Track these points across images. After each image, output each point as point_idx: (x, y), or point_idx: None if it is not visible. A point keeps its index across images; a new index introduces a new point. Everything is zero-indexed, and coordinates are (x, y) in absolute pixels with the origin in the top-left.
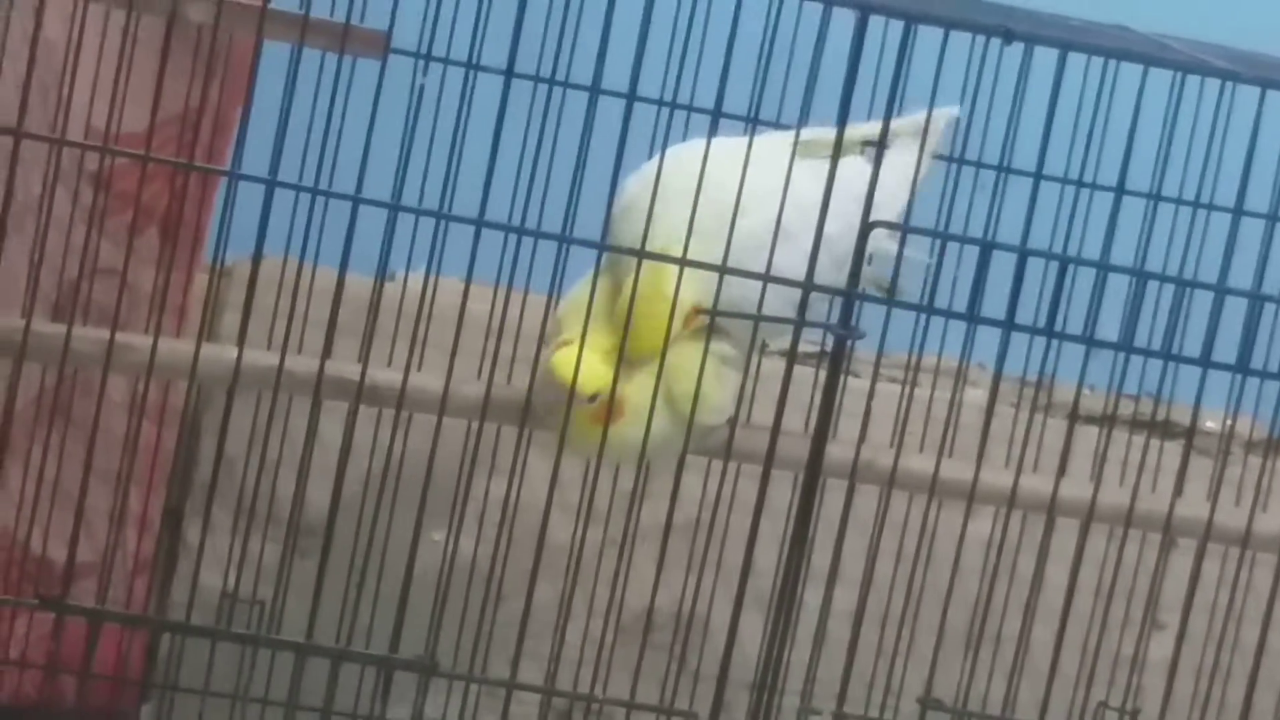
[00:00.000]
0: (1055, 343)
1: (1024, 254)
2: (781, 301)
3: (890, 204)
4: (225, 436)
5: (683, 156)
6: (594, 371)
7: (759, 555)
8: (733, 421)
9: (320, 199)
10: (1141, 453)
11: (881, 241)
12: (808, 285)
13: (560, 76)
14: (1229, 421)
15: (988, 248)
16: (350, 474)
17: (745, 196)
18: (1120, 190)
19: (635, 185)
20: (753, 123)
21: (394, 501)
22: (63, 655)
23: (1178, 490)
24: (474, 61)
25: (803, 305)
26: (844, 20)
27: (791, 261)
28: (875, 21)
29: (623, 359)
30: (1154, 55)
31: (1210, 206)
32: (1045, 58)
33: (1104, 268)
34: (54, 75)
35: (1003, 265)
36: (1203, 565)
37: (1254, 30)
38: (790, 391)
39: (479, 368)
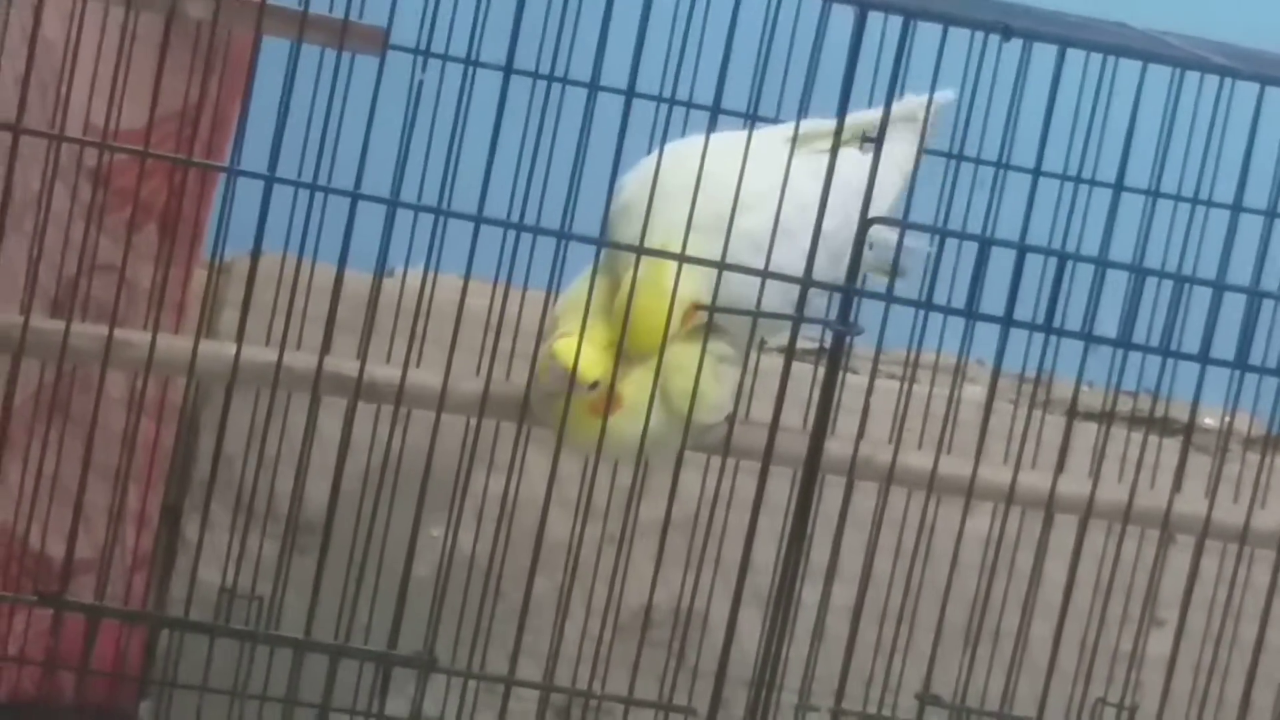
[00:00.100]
0: (1054, 339)
1: (1023, 250)
2: (780, 298)
3: (886, 192)
4: (224, 432)
5: (681, 153)
6: (594, 360)
7: (757, 551)
8: (731, 418)
9: (319, 195)
10: (1140, 449)
11: (881, 229)
12: (806, 281)
13: (559, 73)
14: (1227, 418)
15: (986, 244)
16: (349, 470)
17: (744, 194)
18: (1119, 186)
19: (634, 182)
20: (752, 119)
21: (393, 498)
22: (61, 651)
23: (1176, 486)
24: (473, 58)
25: (801, 301)
26: (843, 16)
27: (790, 258)
28: (874, 17)
29: (621, 355)
30: (1153, 52)
31: (1209, 203)
32: (1044, 54)
33: (1102, 264)
34: (53, 72)
35: (1001, 261)
36: (1201, 561)
37: (1253, 27)
38: (789, 388)
39: (478, 364)
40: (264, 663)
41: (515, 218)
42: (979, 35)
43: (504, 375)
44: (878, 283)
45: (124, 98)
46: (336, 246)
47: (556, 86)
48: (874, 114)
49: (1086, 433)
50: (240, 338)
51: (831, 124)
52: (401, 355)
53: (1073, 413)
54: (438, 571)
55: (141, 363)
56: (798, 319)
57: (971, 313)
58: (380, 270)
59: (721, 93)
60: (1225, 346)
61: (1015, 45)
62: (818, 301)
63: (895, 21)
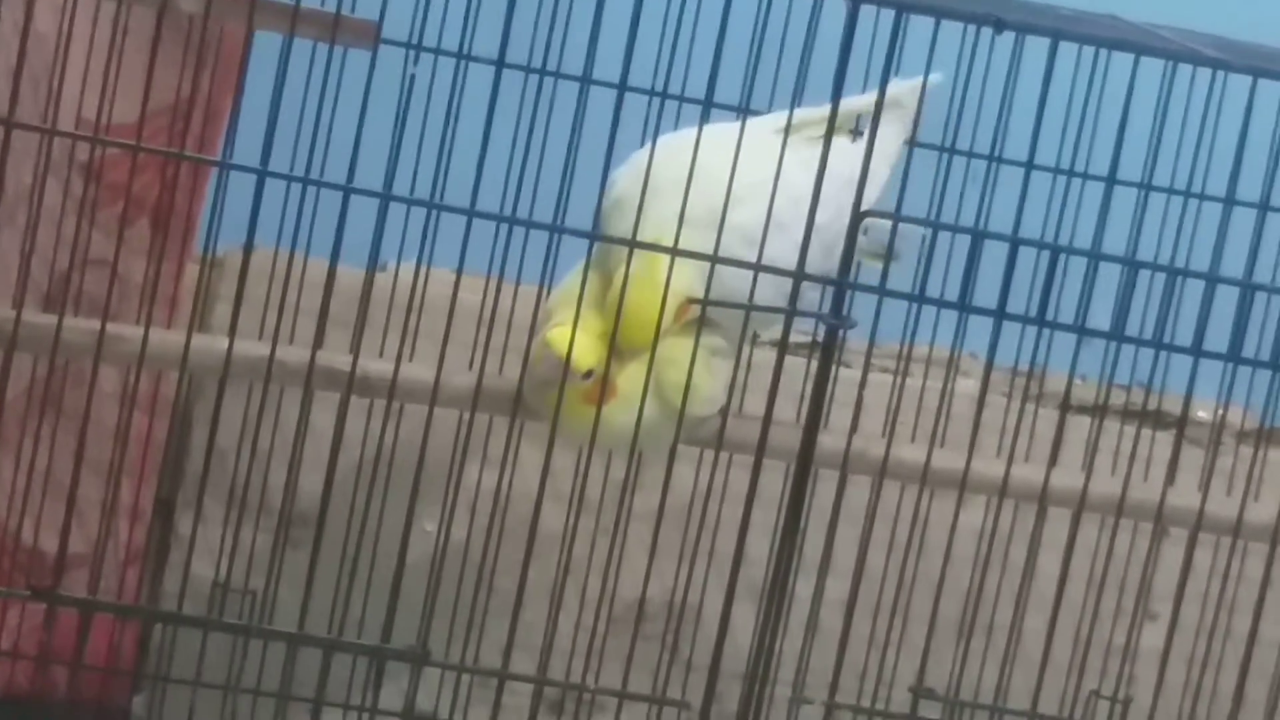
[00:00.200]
0: (1047, 332)
1: (1015, 243)
2: (773, 291)
3: (874, 181)
4: (217, 427)
5: (673, 146)
6: (588, 348)
7: (751, 545)
8: (724, 411)
9: (311, 189)
10: (1133, 442)
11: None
12: (799, 275)
13: (551, 67)
14: (1220, 411)
15: (979, 237)
16: (342, 464)
17: (736, 187)
18: (1111, 180)
19: (626, 176)
20: (744, 112)
21: (386, 492)
22: (54, 646)
23: (1169, 480)
24: (465, 52)
25: (794, 295)
26: (835, 9)
27: (782, 251)
28: (866, 10)
29: (614, 349)
30: (1145, 44)
31: (1201, 196)
32: (1036, 47)
33: (1095, 257)
34: (45, 66)
35: (994, 255)
36: (1194, 555)
37: (1245, 20)
38: (782, 381)
39: (470, 358)
40: (257, 657)
41: (508, 212)
42: (971, 28)
43: (497, 369)
44: (872, 271)
45: (116, 92)
46: (329, 241)
47: (549, 80)
48: (861, 100)
49: (1080, 426)
50: (233, 332)
51: (820, 111)
52: (394, 349)
53: (1066, 406)
54: (431, 565)
55: (134, 357)
56: (790, 312)
57: (964, 306)
58: (373, 264)
59: (714, 86)
60: (1218, 339)
61: (1008, 38)
62: (810, 294)
63: (887, 14)
